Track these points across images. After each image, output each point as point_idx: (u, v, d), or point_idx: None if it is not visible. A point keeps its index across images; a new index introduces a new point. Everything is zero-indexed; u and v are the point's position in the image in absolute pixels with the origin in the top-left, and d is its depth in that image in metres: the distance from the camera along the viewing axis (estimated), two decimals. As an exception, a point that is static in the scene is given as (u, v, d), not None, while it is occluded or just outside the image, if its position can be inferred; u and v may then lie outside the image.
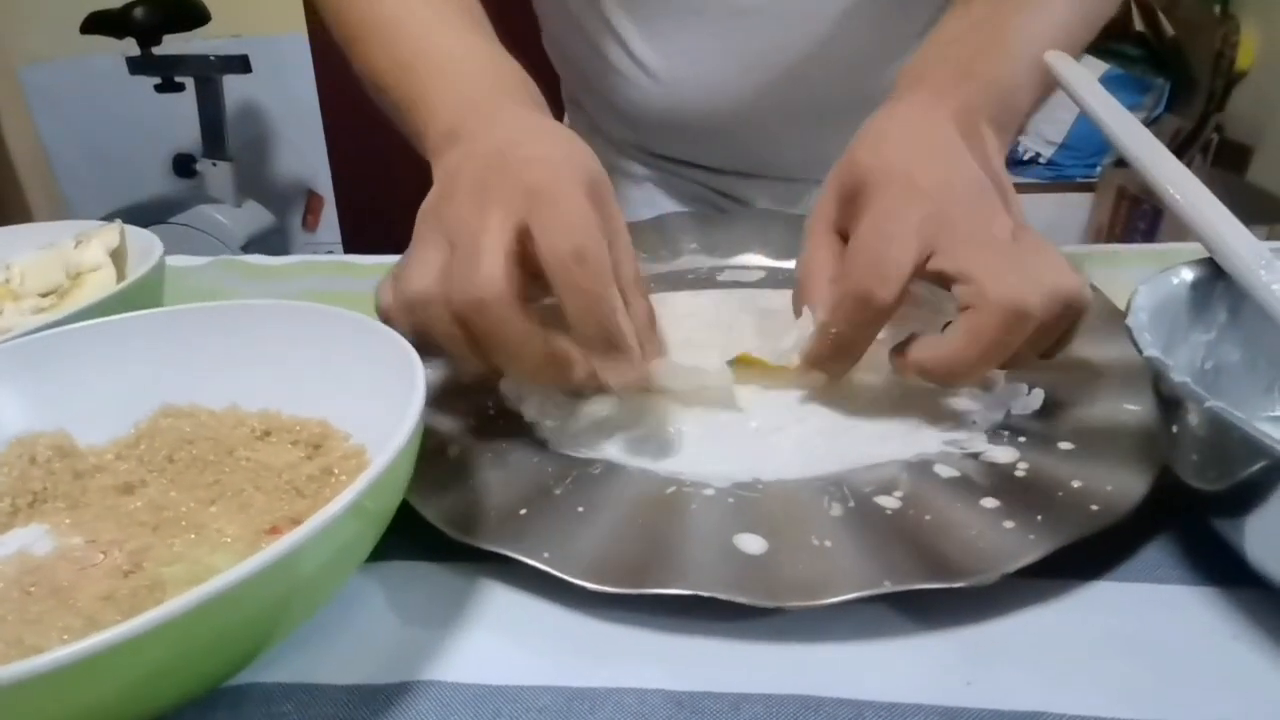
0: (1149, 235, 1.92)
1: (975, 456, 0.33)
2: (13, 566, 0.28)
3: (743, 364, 0.39)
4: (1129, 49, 2.11)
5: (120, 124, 2.24)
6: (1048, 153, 2.19)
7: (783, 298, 0.41)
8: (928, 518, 0.29)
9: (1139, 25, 2.08)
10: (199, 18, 1.98)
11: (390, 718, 0.25)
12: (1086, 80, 0.39)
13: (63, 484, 0.31)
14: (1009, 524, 0.28)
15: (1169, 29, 2.07)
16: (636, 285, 0.36)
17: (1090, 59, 2.05)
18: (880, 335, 0.35)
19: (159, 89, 1.97)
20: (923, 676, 0.25)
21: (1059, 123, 2.14)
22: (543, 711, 0.25)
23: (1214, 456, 0.26)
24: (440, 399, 0.38)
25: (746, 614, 0.26)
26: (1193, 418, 0.26)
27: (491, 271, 0.31)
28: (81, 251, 0.46)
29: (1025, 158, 2.21)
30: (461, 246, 0.32)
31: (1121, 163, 0.36)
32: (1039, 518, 0.28)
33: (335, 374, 0.33)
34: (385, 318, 0.35)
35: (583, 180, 0.33)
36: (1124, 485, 0.29)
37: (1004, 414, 0.35)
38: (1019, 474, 0.31)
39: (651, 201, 0.70)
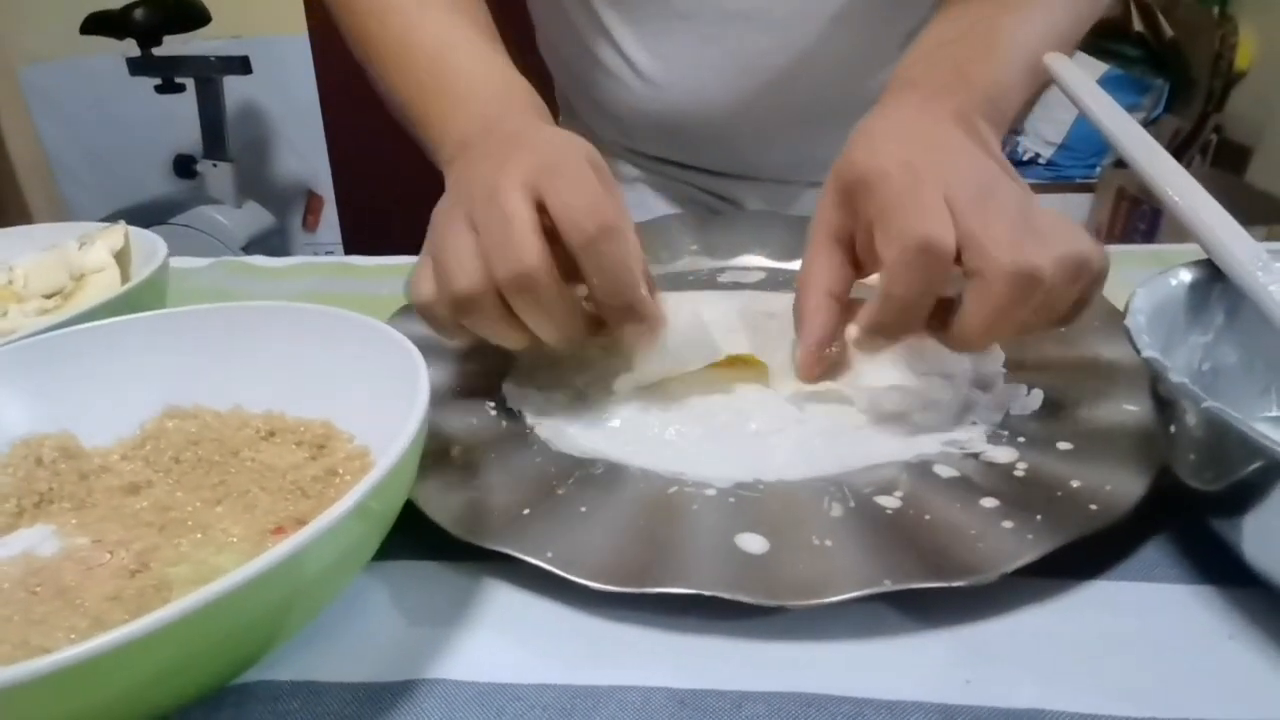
0: (1148, 236, 1.92)
1: (975, 456, 0.33)
2: (18, 567, 0.28)
3: (741, 363, 0.39)
4: (1128, 49, 2.11)
5: (120, 125, 2.24)
6: (1047, 153, 2.19)
7: (782, 300, 0.41)
8: (927, 517, 0.29)
9: (1138, 26, 2.09)
10: (199, 18, 1.98)
11: (395, 715, 0.25)
12: (1085, 82, 0.39)
13: (68, 485, 0.32)
14: (1008, 524, 0.28)
15: (1168, 30, 2.07)
16: (639, 255, 0.37)
17: (1089, 59, 2.05)
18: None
19: (159, 90, 1.97)
20: (922, 675, 0.25)
21: (1058, 123, 2.14)
22: (546, 709, 0.25)
23: (1211, 457, 0.26)
24: (443, 400, 0.38)
25: (748, 613, 0.27)
26: (1190, 418, 0.26)
27: (528, 243, 0.32)
28: (85, 253, 0.46)
29: (1025, 158, 2.21)
30: (490, 226, 0.33)
31: (1121, 163, 0.36)
32: (1038, 517, 0.28)
33: (339, 375, 0.33)
34: (426, 312, 0.36)
35: (587, 158, 0.35)
36: (1122, 485, 0.29)
37: (1003, 414, 0.35)
38: (1018, 474, 0.31)
39: (643, 203, 0.70)
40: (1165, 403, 0.28)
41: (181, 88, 1.97)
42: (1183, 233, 0.34)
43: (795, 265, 0.41)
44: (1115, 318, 0.39)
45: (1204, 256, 0.33)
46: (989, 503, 0.29)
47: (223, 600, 0.20)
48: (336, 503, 0.22)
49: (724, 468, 0.33)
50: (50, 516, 0.31)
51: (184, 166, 2.10)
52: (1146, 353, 0.28)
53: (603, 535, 0.29)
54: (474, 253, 0.33)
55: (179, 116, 2.06)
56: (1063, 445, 0.32)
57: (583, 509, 0.31)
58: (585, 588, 0.27)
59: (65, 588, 0.27)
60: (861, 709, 0.24)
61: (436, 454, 0.34)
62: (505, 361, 0.42)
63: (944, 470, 0.32)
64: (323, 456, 0.32)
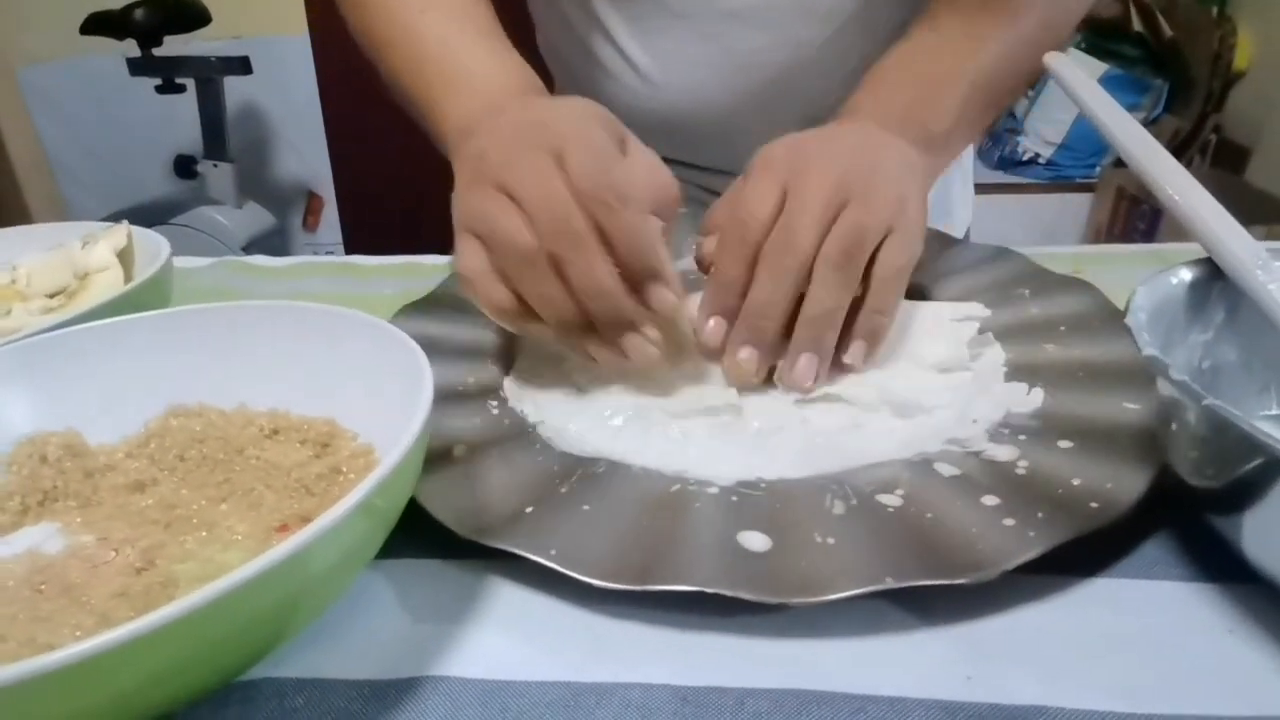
0: (1148, 235, 1.92)
1: (976, 455, 0.33)
2: (23, 565, 0.28)
3: None
4: (1128, 49, 2.12)
5: (121, 125, 2.24)
6: (1047, 153, 2.19)
7: None
8: (929, 515, 0.29)
9: (1137, 26, 2.09)
10: (199, 19, 1.98)
11: (399, 712, 0.25)
12: (1085, 81, 0.39)
13: (74, 483, 0.32)
14: (1009, 521, 0.28)
15: (1167, 30, 2.07)
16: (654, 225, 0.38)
17: (1089, 59, 2.06)
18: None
19: (160, 90, 1.97)
20: (924, 671, 0.25)
21: (1058, 123, 2.14)
22: (549, 706, 0.25)
23: (1211, 454, 0.26)
24: (446, 399, 0.38)
25: (750, 610, 0.27)
26: (1191, 416, 0.26)
27: (566, 199, 0.34)
28: (89, 253, 0.47)
29: (1025, 158, 2.21)
30: (526, 188, 0.35)
31: (1121, 163, 0.37)
32: (1039, 515, 0.28)
33: (343, 374, 0.33)
34: (481, 284, 0.36)
35: (602, 124, 0.37)
36: (1123, 483, 0.29)
37: (1004, 412, 0.35)
38: (1019, 472, 0.31)
39: None
40: (1166, 401, 0.28)
41: (182, 88, 1.97)
42: (1183, 232, 0.35)
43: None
44: (1116, 316, 0.40)
45: (1204, 255, 0.33)
46: (990, 500, 0.30)
47: (229, 597, 0.20)
48: (341, 500, 0.22)
49: (726, 466, 0.33)
50: (55, 514, 0.31)
51: (184, 167, 2.10)
52: (1147, 351, 0.28)
53: (605, 533, 0.29)
54: (516, 214, 0.35)
55: (179, 117, 2.06)
56: (1063, 443, 0.32)
57: (585, 507, 0.31)
58: (588, 585, 0.27)
59: (71, 585, 0.27)
60: (863, 705, 0.24)
61: (440, 453, 0.34)
62: (508, 360, 0.42)
63: (945, 468, 0.32)
64: (327, 455, 0.32)
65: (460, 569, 0.30)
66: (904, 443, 0.34)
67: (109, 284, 0.46)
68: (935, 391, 0.37)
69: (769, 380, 0.39)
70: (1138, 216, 1.97)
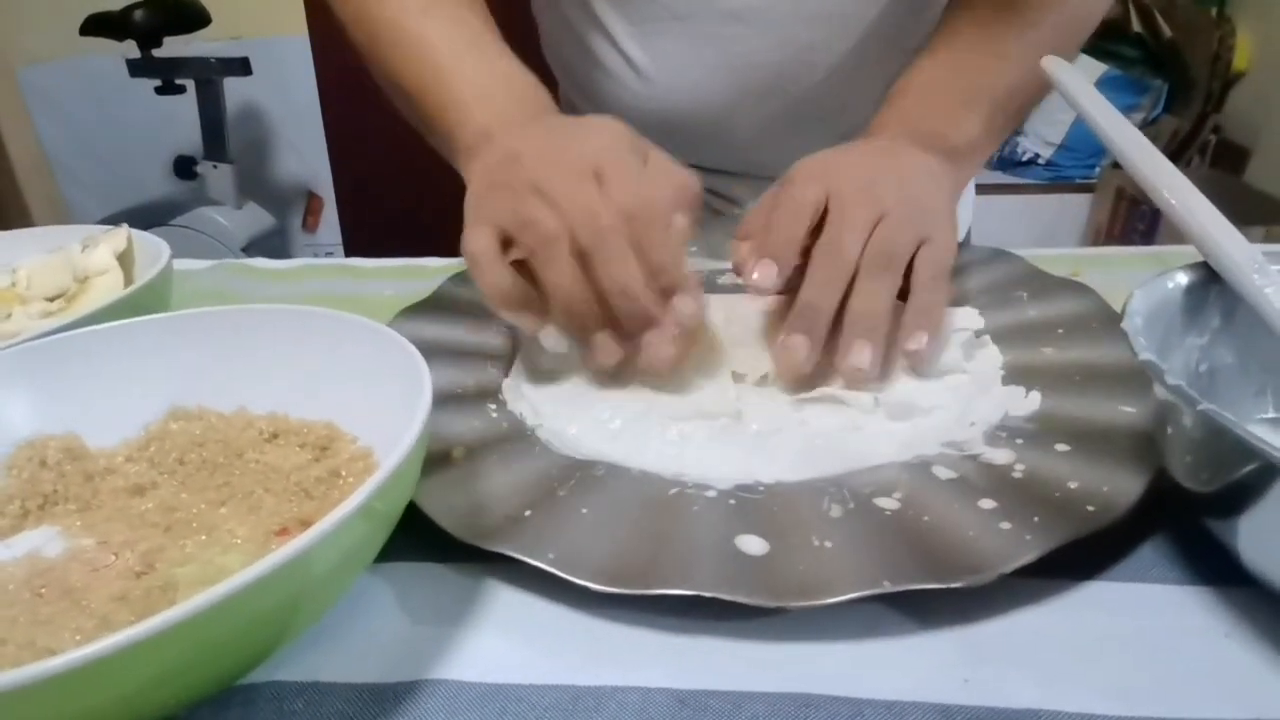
0: (1148, 236, 1.92)
1: (973, 458, 0.33)
2: (23, 568, 0.28)
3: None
4: (1127, 50, 2.12)
5: (120, 126, 2.24)
6: (1046, 154, 2.19)
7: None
8: (926, 518, 0.29)
9: (1137, 27, 2.09)
10: (199, 20, 1.98)
11: (398, 715, 0.25)
12: (1082, 85, 0.39)
13: (74, 486, 0.32)
14: (1006, 524, 0.28)
15: (1166, 30, 2.07)
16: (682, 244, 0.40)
17: (1088, 60, 2.06)
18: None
19: (159, 91, 1.97)
20: (921, 675, 0.26)
21: (1057, 124, 2.14)
22: (548, 710, 0.25)
23: (1207, 458, 0.27)
24: (444, 403, 0.38)
25: (748, 614, 0.27)
26: (1187, 420, 0.27)
27: (601, 200, 0.36)
28: (88, 255, 0.47)
29: (1024, 159, 2.21)
30: (561, 188, 0.37)
31: (1120, 164, 0.37)
32: (1036, 518, 0.28)
33: (342, 377, 0.34)
34: (484, 259, 0.37)
35: (631, 146, 0.40)
36: (1120, 486, 0.30)
37: (1001, 415, 0.36)
38: (1016, 475, 0.31)
39: None
40: (1162, 405, 0.28)
41: (182, 89, 1.97)
42: (1181, 234, 0.35)
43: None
44: (1113, 320, 0.40)
45: (1202, 259, 0.33)
46: (987, 504, 0.30)
47: (229, 600, 0.20)
48: (341, 504, 0.22)
49: (724, 469, 0.33)
50: (55, 518, 0.31)
51: (184, 168, 2.10)
52: (1144, 355, 0.28)
53: (604, 537, 0.29)
54: (548, 205, 0.36)
55: (179, 118, 2.06)
56: (1060, 447, 0.33)
57: (584, 511, 0.31)
58: (586, 589, 0.27)
59: (71, 588, 0.27)
60: (861, 709, 0.24)
61: (439, 456, 0.34)
62: (506, 364, 0.42)
63: (942, 471, 0.32)
64: (326, 458, 0.32)
65: (459, 572, 0.30)
66: (901, 446, 0.35)
67: (109, 287, 0.46)
68: (931, 395, 0.37)
69: (817, 372, 0.40)
70: (1137, 217, 1.97)
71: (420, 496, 0.31)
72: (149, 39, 1.92)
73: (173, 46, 1.97)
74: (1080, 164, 2.18)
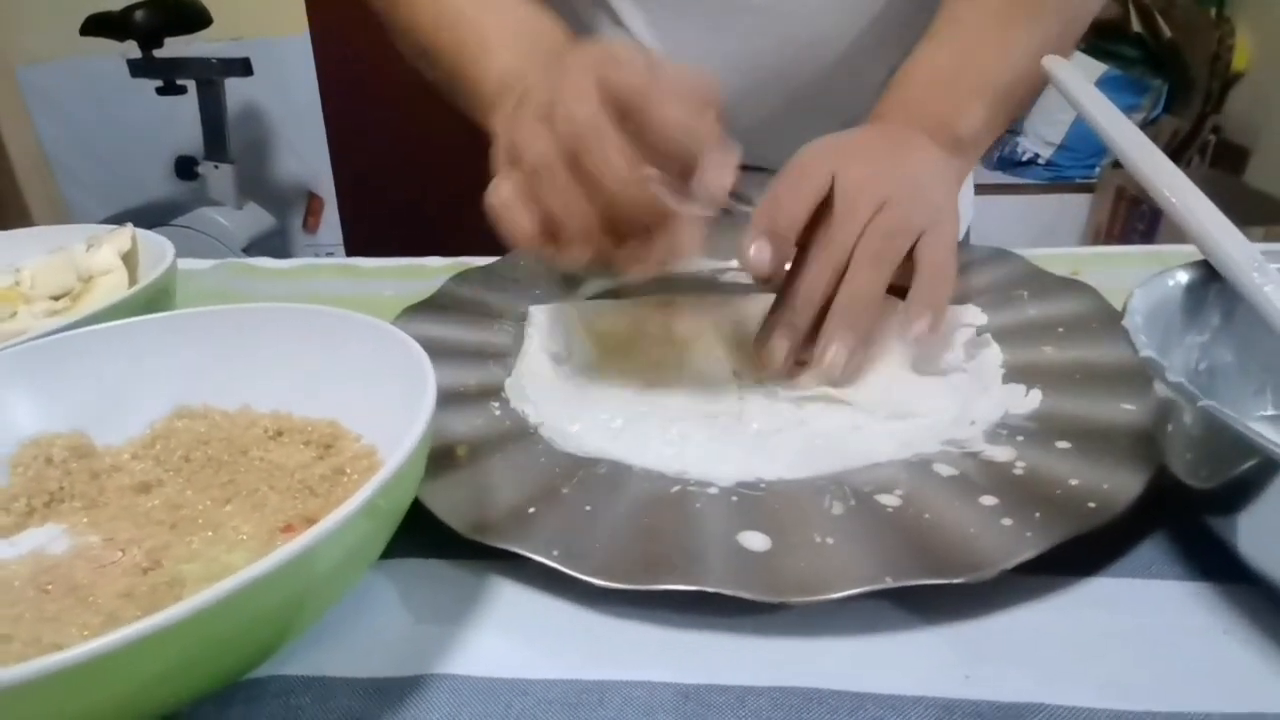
0: (1148, 236, 1.92)
1: (974, 455, 0.33)
2: (28, 566, 0.29)
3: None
4: (1127, 50, 2.12)
5: (121, 126, 2.24)
6: (1046, 153, 2.19)
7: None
8: (927, 515, 0.29)
9: (1137, 27, 2.09)
10: (200, 20, 1.98)
11: (403, 710, 0.25)
12: (1081, 84, 0.40)
13: (79, 484, 0.32)
14: (1007, 521, 0.29)
15: (1166, 30, 2.07)
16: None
17: (1088, 60, 2.06)
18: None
19: (160, 91, 1.97)
20: (922, 670, 0.26)
21: (1057, 124, 2.15)
22: (552, 704, 0.25)
23: (1208, 455, 0.27)
24: (448, 401, 0.38)
25: (751, 609, 0.27)
26: (1187, 417, 0.27)
27: (584, 98, 0.34)
28: (93, 255, 0.47)
29: (1024, 159, 2.21)
30: (552, 102, 0.35)
31: (1120, 163, 0.38)
32: (1036, 515, 0.29)
33: (346, 376, 0.34)
34: (505, 209, 0.36)
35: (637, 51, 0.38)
36: (1120, 483, 0.30)
37: (1002, 413, 0.36)
38: (1017, 472, 0.32)
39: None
40: (1162, 402, 0.28)
41: (183, 89, 1.97)
42: (1182, 233, 0.35)
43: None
44: (1113, 319, 0.40)
45: (1202, 257, 0.34)
46: (988, 501, 0.30)
47: (236, 596, 0.20)
48: (346, 501, 0.23)
49: (726, 467, 0.34)
50: (60, 516, 0.31)
51: (185, 168, 2.11)
52: (1144, 352, 0.28)
53: (607, 533, 0.29)
54: (543, 128, 0.35)
55: (180, 118, 2.07)
56: (1061, 444, 0.33)
57: (587, 508, 0.31)
58: (590, 585, 0.27)
59: (77, 585, 0.27)
60: (862, 703, 0.25)
61: (442, 454, 0.34)
62: (509, 362, 0.43)
63: (943, 469, 0.32)
64: (330, 456, 0.32)
65: (463, 569, 0.30)
66: (902, 444, 0.35)
67: (113, 287, 0.46)
68: (932, 394, 0.38)
69: (797, 368, 0.40)
70: (1137, 217, 1.98)
71: (424, 494, 0.31)
72: (150, 39, 1.92)
73: (173, 47, 1.97)
74: (1080, 164, 2.18)
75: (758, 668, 0.26)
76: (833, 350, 0.38)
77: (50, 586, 0.27)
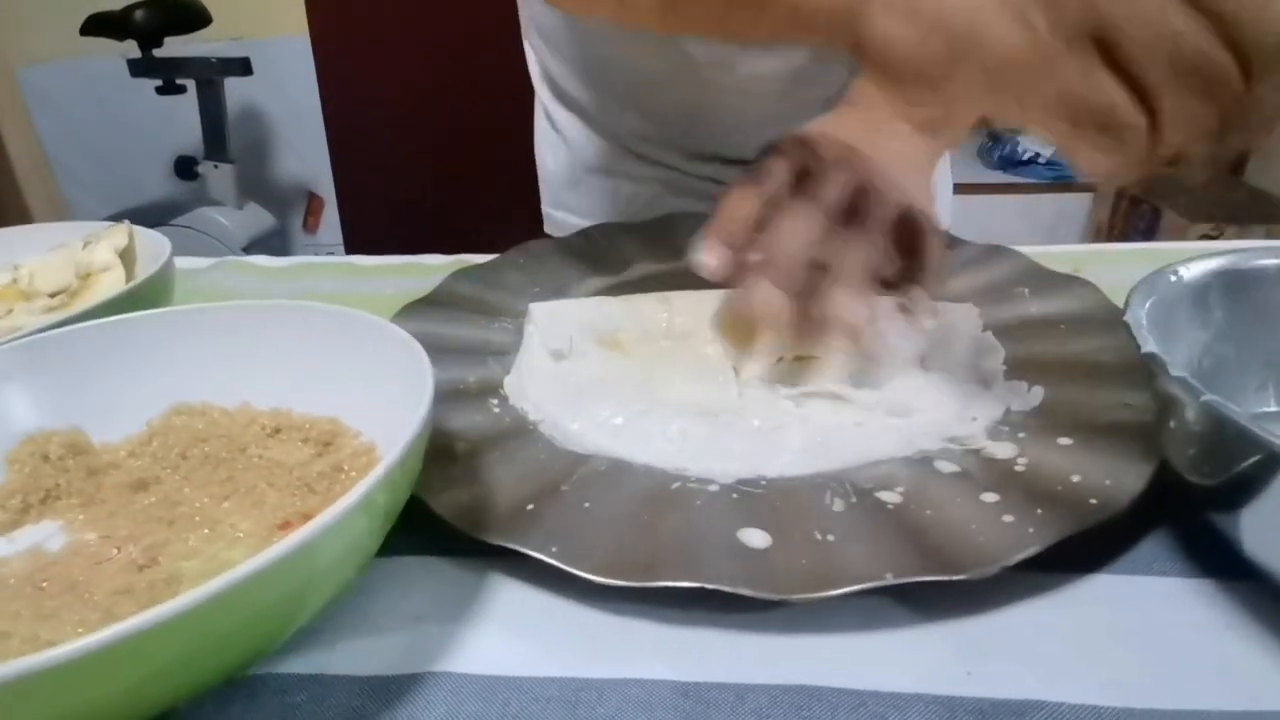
0: (1148, 235, 1.92)
1: (975, 452, 0.33)
2: (25, 563, 0.29)
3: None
4: (1127, 49, 2.11)
5: (121, 126, 2.24)
6: (1047, 152, 2.19)
7: None
8: (928, 512, 0.29)
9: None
10: (200, 20, 1.98)
11: (402, 707, 0.25)
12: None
13: (76, 481, 0.32)
14: (1008, 518, 0.28)
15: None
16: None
17: (1089, 59, 2.05)
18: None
19: (160, 91, 1.97)
20: (923, 667, 0.26)
21: (1058, 123, 2.14)
22: (551, 701, 0.25)
23: (1210, 450, 0.27)
24: (447, 397, 0.38)
25: (751, 606, 0.27)
26: (1189, 413, 0.27)
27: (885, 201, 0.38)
28: (91, 252, 0.47)
29: (1025, 158, 2.21)
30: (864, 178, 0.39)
31: None
32: (1038, 512, 0.28)
33: (345, 373, 0.34)
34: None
35: None
36: (1122, 480, 0.30)
37: (1004, 410, 0.36)
38: (1018, 469, 0.31)
39: (658, 201, 0.71)
40: (1164, 398, 0.28)
41: (182, 89, 1.97)
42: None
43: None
44: (1114, 315, 0.40)
45: (1202, 254, 0.34)
46: (989, 497, 0.30)
47: (232, 592, 0.20)
48: (344, 497, 0.22)
49: (726, 464, 0.33)
50: (57, 513, 0.31)
51: (185, 168, 2.11)
52: (1146, 348, 0.28)
53: (606, 530, 0.29)
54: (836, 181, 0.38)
55: (180, 118, 2.06)
56: (1063, 440, 0.33)
57: (586, 505, 0.31)
58: (589, 582, 0.27)
59: (74, 582, 0.27)
60: (863, 700, 0.25)
61: (441, 450, 0.34)
62: (508, 359, 0.42)
63: (945, 465, 0.32)
64: (329, 453, 0.32)
65: (462, 566, 0.30)
66: (904, 440, 0.35)
67: (111, 283, 0.46)
68: (933, 390, 0.38)
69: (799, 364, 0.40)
70: (1138, 216, 1.97)
71: (423, 491, 0.31)
72: (149, 39, 1.92)
73: (173, 46, 1.97)
74: (1081, 163, 2.18)
75: (757, 665, 0.26)
76: (841, 295, 0.37)
77: (47, 583, 0.27)
